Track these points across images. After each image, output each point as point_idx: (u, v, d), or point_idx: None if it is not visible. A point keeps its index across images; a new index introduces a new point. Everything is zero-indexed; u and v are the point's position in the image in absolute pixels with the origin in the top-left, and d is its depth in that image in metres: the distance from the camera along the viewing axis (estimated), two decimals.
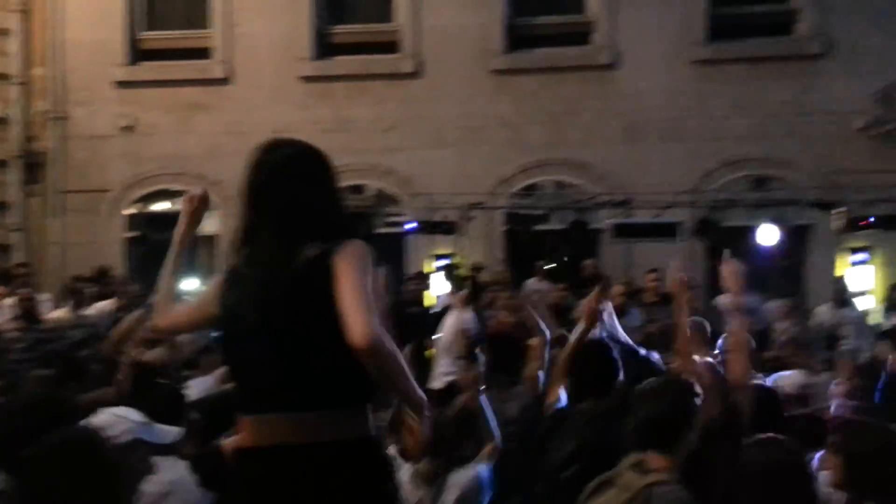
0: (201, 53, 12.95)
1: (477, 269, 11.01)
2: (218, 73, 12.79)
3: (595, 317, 3.84)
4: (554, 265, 11.56)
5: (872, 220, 9.57)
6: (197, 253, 13.03)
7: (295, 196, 2.33)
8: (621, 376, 3.63)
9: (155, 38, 13.12)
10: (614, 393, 3.51)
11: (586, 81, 12.30)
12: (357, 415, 2.25)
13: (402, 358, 2.21)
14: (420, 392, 2.29)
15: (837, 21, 11.74)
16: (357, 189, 13.05)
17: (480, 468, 3.65)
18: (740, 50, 12.04)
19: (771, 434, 3.01)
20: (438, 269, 11.90)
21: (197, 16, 13.18)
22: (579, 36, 12.51)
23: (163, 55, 12.99)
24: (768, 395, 3.67)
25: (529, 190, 12.51)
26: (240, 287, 2.32)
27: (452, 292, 8.17)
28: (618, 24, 12.17)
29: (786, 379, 5.03)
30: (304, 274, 2.20)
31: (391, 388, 2.27)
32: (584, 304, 3.90)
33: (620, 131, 12.16)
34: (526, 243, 11.05)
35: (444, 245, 11.72)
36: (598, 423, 3.38)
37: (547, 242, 12.08)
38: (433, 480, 3.53)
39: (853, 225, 9.81)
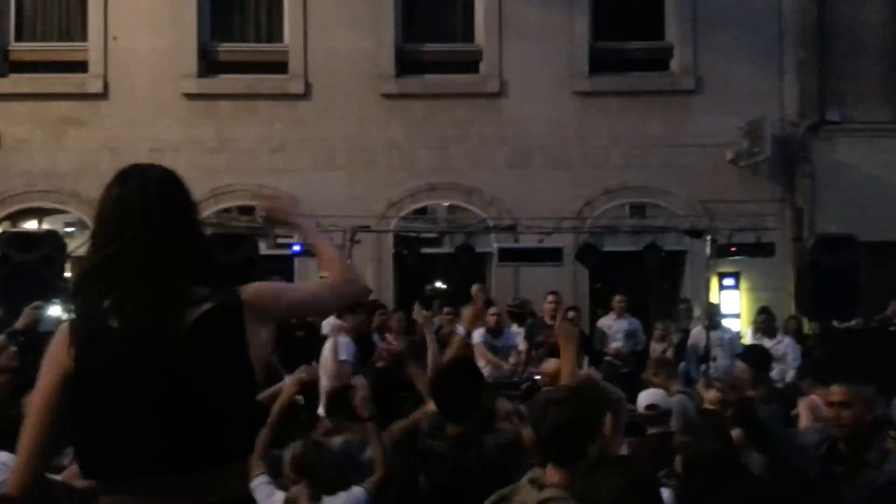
0: (77, 67, 12.38)
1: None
2: (94, 87, 12.24)
3: (475, 321, 3.79)
4: (436, 290, 11.67)
5: (735, 248, 10.06)
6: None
7: (173, 232, 2.03)
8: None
9: (27, 49, 12.46)
10: (477, 414, 3.46)
11: (474, 108, 12.51)
12: (240, 471, 2.08)
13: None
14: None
15: (707, 59, 12.44)
16: (246, 210, 12.74)
17: (357, 493, 3.56)
18: (620, 83, 12.55)
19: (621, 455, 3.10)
20: None
21: (73, 28, 12.62)
22: (468, 64, 12.72)
23: (35, 67, 12.34)
24: None
25: (419, 213, 12.56)
26: (110, 345, 1.96)
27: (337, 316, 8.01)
28: (504, 54, 12.46)
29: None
30: (202, 328, 1.98)
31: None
32: (468, 313, 3.85)
33: (507, 158, 12.42)
34: (415, 267, 11.04)
35: None
36: (463, 447, 3.34)
37: (436, 266, 12.16)
38: None
39: (721, 252, 10.33)
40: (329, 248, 2.36)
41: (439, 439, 3.50)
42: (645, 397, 4.97)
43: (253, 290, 2.07)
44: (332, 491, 3.48)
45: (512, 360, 8.43)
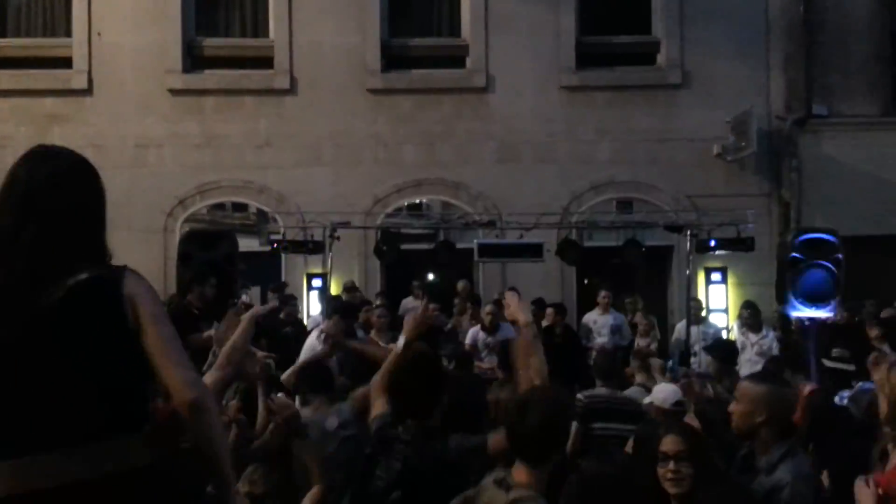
0: (61, 63, 12.30)
1: (350, 288, 10.91)
2: (78, 83, 12.18)
3: (417, 330, 3.72)
4: (431, 282, 11.65)
5: (713, 243, 10.04)
6: None
7: (68, 209, 2.09)
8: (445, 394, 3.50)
9: (10, 45, 12.39)
10: (437, 412, 3.38)
11: (461, 103, 12.47)
12: (123, 445, 2.02)
13: (221, 422, 2.10)
14: (230, 469, 2.14)
15: (693, 54, 12.42)
16: (240, 207, 12.72)
17: None
18: (607, 78, 12.52)
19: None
20: (312, 289, 11.74)
21: (57, 23, 12.54)
22: (454, 59, 12.67)
23: (19, 63, 12.26)
24: None
25: (411, 209, 12.54)
26: None
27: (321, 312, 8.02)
28: (490, 49, 12.42)
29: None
30: (76, 297, 1.99)
31: (208, 450, 2.09)
32: (409, 318, 3.77)
33: (494, 153, 12.39)
34: (397, 263, 11.02)
35: (318, 264, 11.53)
36: (422, 445, 3.29)
37: (423, 262, 12.11)
38: None
39: (702, 247, 10.32)
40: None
41: (396, 437, 3.46)
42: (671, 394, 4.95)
43: (134, 278, 2.08)
44: None
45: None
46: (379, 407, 3.51)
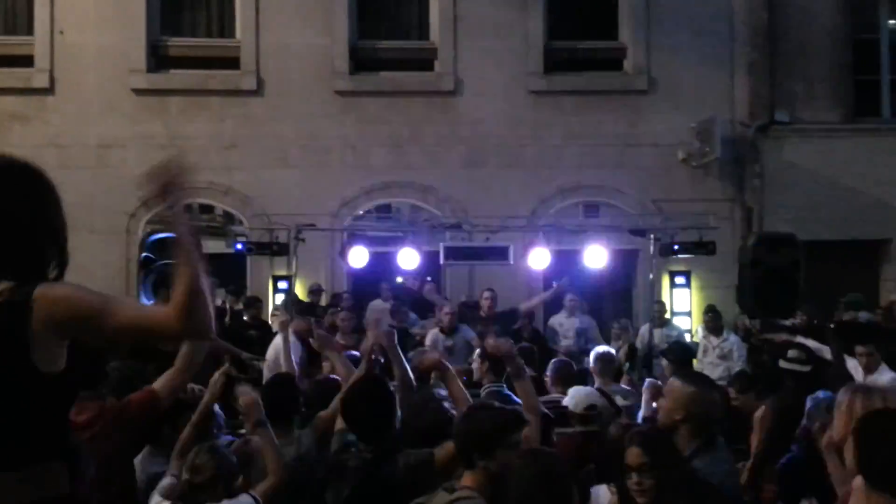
0: (22, 61, 12.11)
1: (316, 291, 10.85)
2: (40, 82, 11.99)
3: (370, 358, 3.85)
4: (400, 285, 11.60)
5: (676, 247, 10.14)
6: None
7: None
8: (398, 416, 3.59)
9: None
10: (388, 435, 3.50)
11: (429, 106, 12.47)
12: (35, 475, 1.94)
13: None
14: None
15: (659, 60, 12.55)
16: (207, 208, 12.58)
17: (242, 500, 3.48)
18: (574, 83, 12.60)
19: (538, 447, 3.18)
20: (278, 291, 11.66)
21: (18, 22, 12.35)
22: (423, 62, 12.68)
23: None
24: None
25: (381, 212, 12.48)
26: None
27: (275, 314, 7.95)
28: (459, 53, 12.44)
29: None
30: None
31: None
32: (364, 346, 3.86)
33: (462, 156, 12.40)
34: (367, 265, 10.96)
35: (283, 267, 11.45)
36: (371, 470, 3.37)
37: (389, 264, 12.07)
38: None
39: (665, 251, 10.42)
40: (189, 255, 2.00)
41: (352, 454, 3.51)
42: (583, 397, 4.97)
43: (49, 293, 1.93)
44: (216, 498, 3.40)
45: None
46: (341, 425, 3.59)
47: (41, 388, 1.93)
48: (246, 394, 3.79)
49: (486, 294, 9.30)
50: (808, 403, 4.44)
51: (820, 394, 4.45)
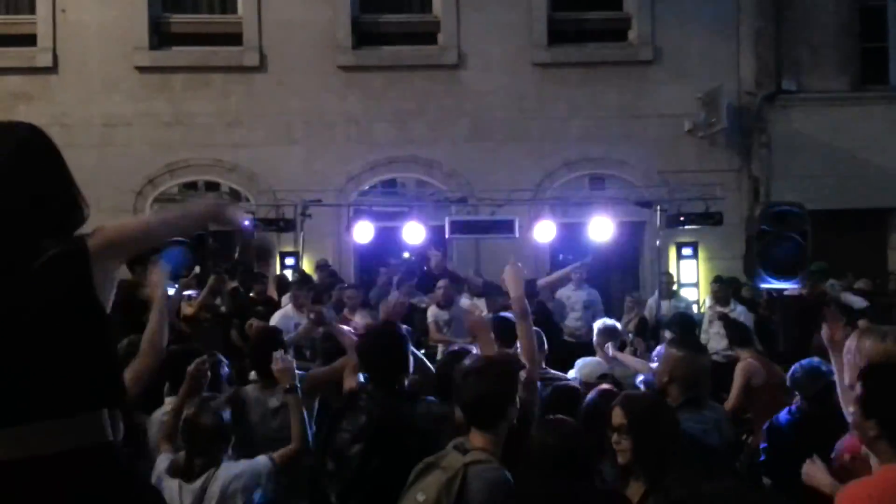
0: (25, 40, 12.07)
1: (322, 266, 10.87)
2: (43, 61, 11.96)
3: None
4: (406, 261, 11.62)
5: (683, 218, 10.13)
6: None
7: (22, 188, 2.07)
8: (411, 363, 3.66)
9: None
10: (402, 378, 3.56)
11: (433, 80, 12.40)
12: (85, 422, 2.03)
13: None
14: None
15: (664, 30, 12.43)
16: (212, 186, 12.58)
17: (259, 461, 3.54)
18: (578, 54, 12.51)
19: (559, 416, 3.17)
20: (285, 267, 11.68)
21: (20, 1, 12.29)
22: (426, 35, 12.59)
23: None
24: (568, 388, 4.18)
25: (387, 186, 12.46)
26: None
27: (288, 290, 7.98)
28: (462, 26, 12.35)
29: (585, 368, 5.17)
30: (44, 274, 1.98)
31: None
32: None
33: (466, 130, 12.35)
34: (373, 240, 10.97)
35: (290, 243, 11.48)
36: (387, 402, 3.38)
37: (397, 240, 12.09)
38: (192, 476, 3.43)
39: (671, 222, 10.40)
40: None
41: (363, 394, 3.54)
42: (594, 367, 4.99)
43: (99, 234, 2.10)
44: (215, 461, 3.45)
45: None
46: (350, 383, 3.59)
47: (106, 329, 2.08)
48: (283, 360, 3.86)
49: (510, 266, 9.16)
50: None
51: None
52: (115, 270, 2.15)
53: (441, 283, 8.47)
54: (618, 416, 2.97)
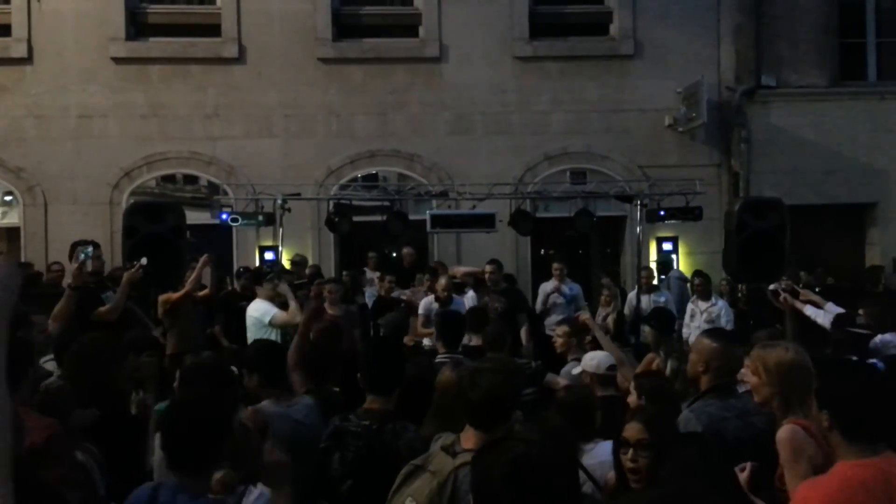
0: None
1: (298, 262, 10.79)
2: (18, 51, 11.76)
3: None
4: (379, 258, 11.57)
5: (663, 212, 10.15)
6: None
7: None
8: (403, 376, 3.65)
9: None
10: (394, 394, 3.52)
11: (414, 73, 12.33)
12: None
13: None
14: None
15: (645, 24, 12.43)
16: (191, 179, 12.45)
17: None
18: (560, 48, 12.48)
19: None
20: (264, 261, 11.58)
21: None
22: (407, 28, 12.51)
23: None
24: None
25: (367, 181, 12.37)
26: None
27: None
28: (443, 19, 12.28)
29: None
30: None
31: None
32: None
33: (447, 124, 12.30)
34: (353, 234, 10.91)
35: (270, 237, 11.38)
36: (373, 437, 3.36)
37: (375, 233, 12.03)
38: None
39: (651, 216, 10.42)
40: None
41: (352, 421, 3.51)
42: (604, 359, 4.97)
43: None
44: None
45: None
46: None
47: None
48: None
49: (489, 267, 9.10)
50: None
51: None
52: None
53: (444, 281, 8.29)
54: (637, 431, 2.88)
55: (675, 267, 11.85)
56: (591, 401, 3.92)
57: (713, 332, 4.03)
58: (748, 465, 2.83)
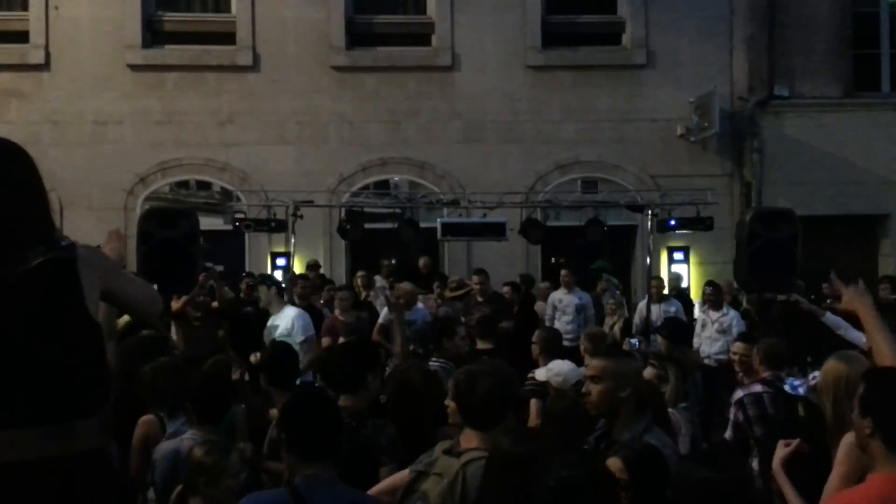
0: (18, 37, 12.01)
1: (313, 266, 10.85)
2: (36, 58, 11.90)
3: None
4: (392, 265, 11.60)
5: (673, 222, 10.14)
6: None
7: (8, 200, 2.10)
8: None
9: None
10: (364, 393, 3.64)
11: (426, 82, 12.39)
12: (80, 429, 2.05)
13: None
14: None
15: (658, 34, 12.45)
16: (204, 185, 12.54)
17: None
18: (572, 57, 12.52)
19: None
20: (276, 267, 11.66)
21: None
22: (420, 37, 12.59)
23: None
24: None
25: (379, 188, 12.44)
26: None
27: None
28: (456, 27, 12.35)
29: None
30: (33, 281, 2.01)
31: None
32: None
33: (459, 132, 12.35)
34: (361, 242, 10.96)
35: (282, 243, 11.45)
36: (352, 432, 3.38)
37: (389, 241, 12.07)
38: None
39: (662, 226, 10.40)
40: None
41: None
42: (572, 374, 4.96)
43: (90, 250, 2.19)
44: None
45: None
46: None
47: (97, 337, 2.11)
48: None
49: (476, 279, 9.15)
50: None
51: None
52: (100, 282, 2.15)
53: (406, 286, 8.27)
54: (619, 470, 2.76)
55: (684, 285, 11.86)
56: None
57: (611, 353, 3.64)
58: (796, 441, 2.90)
